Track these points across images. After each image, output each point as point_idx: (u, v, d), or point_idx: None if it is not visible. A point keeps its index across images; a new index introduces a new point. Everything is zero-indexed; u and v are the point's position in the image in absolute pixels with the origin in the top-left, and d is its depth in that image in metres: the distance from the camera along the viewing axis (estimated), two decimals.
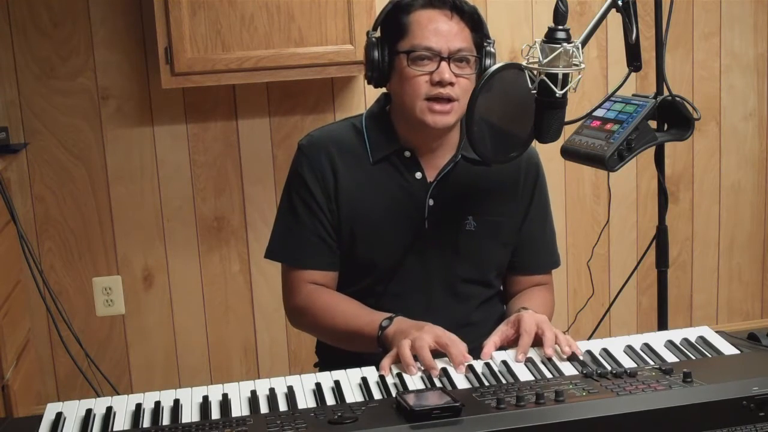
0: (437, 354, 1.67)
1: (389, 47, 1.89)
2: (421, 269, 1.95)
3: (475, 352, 1.73)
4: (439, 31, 1.84)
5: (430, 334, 1.69)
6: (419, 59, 1.84)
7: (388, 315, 1.82)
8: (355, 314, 1.89)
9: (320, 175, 1.93)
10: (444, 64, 1.83)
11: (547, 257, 2.09)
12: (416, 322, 1.76)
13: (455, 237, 1.95)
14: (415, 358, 1.66)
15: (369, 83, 1.93)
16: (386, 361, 1.66)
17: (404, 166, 1.94)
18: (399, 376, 1.61)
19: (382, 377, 1.60)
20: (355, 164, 1.94)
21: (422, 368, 1.64)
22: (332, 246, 1.95)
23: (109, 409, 1.50)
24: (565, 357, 1.66)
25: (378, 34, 1.92)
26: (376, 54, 1.89)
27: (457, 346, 1.67)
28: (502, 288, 2.11)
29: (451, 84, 1.83)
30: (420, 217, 1.93)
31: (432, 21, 1.85)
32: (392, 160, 1.94)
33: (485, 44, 1.90)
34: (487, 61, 1.89)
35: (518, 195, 2.00)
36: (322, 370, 2.00)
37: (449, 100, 1.84)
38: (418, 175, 1.94)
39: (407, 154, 1.94)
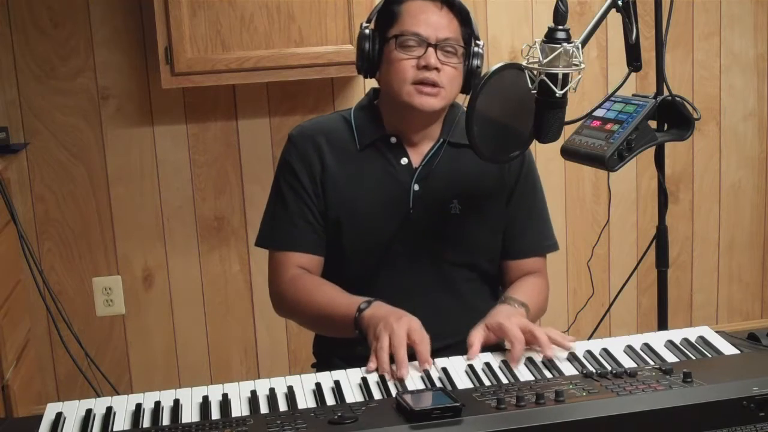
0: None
1: (380, 35, 1.93)
2: (408, 254, 1.96)
3: (463, 339, 1.74)
4: (429, 21, 1.88)
5: (404, 328, 1.68)
6: (407, 44, 1.88)
7: (367, 299, 1.82)
8: (335, 297, 1.90)
9: (308, 163, 1.96)
10: (431, 50, 1.87)
11: (536, 240, 2.06)
12: (394, 310, 1.76)
13: (441, 221, 1.96)
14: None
15: (359, 73, 1.96)
16: (371, 364, 1.66)
17: (390, 152, 1.97)
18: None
19: (382, 377, 1.60)
20: (342, 153, 1.97)
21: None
22: (319, 230, 1.97)
23: (109, 409, 1.50)
24: (565, 356, 1.66)
25: (372, 26, 1.95)
26: (367, 44, 1.92)
27: (426, 345, 1.66)
28: (498, 275, 2.09)
29: (437, 69, 1.86)
30: (406, 202, 1.95)
31: (422, 11, 1.89)
32: (378, 146, 1.97)
33: (474, 44, 1.92)
34: (475, 62, 1.91)
35: (504, 177, 2.01)
36: (319, 370, 2.00)
37: (435, 85, 1.87)
38: (404, 160, 1.96)
39: (393, 140, 1.97)
